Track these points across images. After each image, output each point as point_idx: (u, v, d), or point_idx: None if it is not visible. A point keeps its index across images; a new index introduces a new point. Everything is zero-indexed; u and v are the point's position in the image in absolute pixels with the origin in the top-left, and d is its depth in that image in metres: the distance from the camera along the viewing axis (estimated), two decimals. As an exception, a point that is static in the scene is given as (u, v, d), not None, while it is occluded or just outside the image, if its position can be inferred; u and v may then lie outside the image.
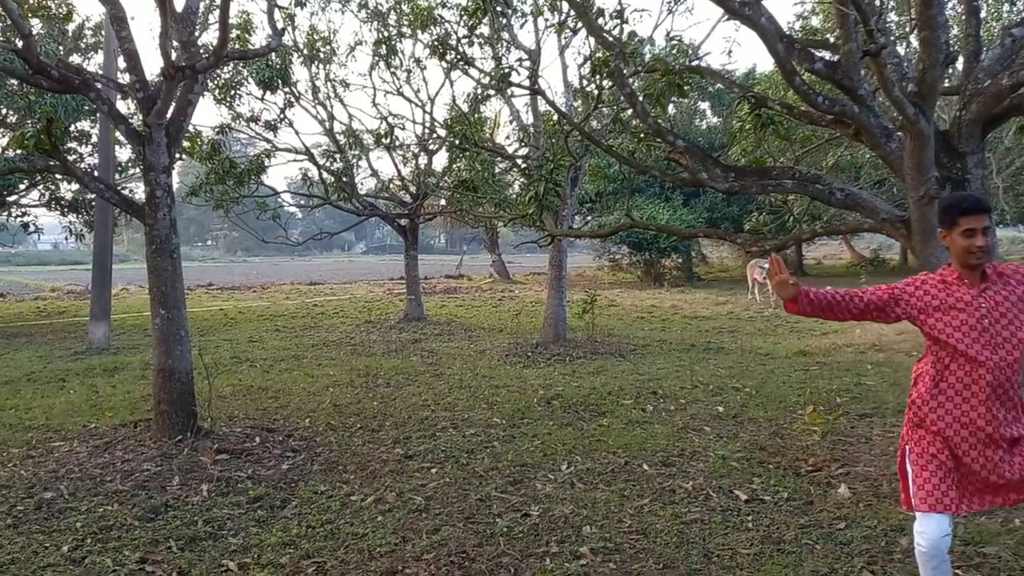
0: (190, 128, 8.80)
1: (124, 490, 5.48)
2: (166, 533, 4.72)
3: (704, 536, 4.61)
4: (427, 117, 14.91)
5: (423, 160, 16.47)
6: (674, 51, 9.82)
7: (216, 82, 13.30)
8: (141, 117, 6.67)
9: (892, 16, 12.24)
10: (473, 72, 10.91)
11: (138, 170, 10.72)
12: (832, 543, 4.43)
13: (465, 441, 6.84)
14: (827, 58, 5.67)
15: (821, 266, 39.85)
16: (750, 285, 21.42)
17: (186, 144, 9.88)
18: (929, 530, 3.23)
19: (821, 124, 6.13)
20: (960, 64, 6.49)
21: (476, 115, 12.96)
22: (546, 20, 11.67)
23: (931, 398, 3.36)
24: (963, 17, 6.57)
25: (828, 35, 11.14)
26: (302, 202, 19.45)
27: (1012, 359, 3.22)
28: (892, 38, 7.10)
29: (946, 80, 10.74)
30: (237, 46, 10.36)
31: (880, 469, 5.61)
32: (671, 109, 25.87)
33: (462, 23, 9.38)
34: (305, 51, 14.65)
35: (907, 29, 10.83)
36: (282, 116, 14.69)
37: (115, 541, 4.61)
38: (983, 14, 15.70)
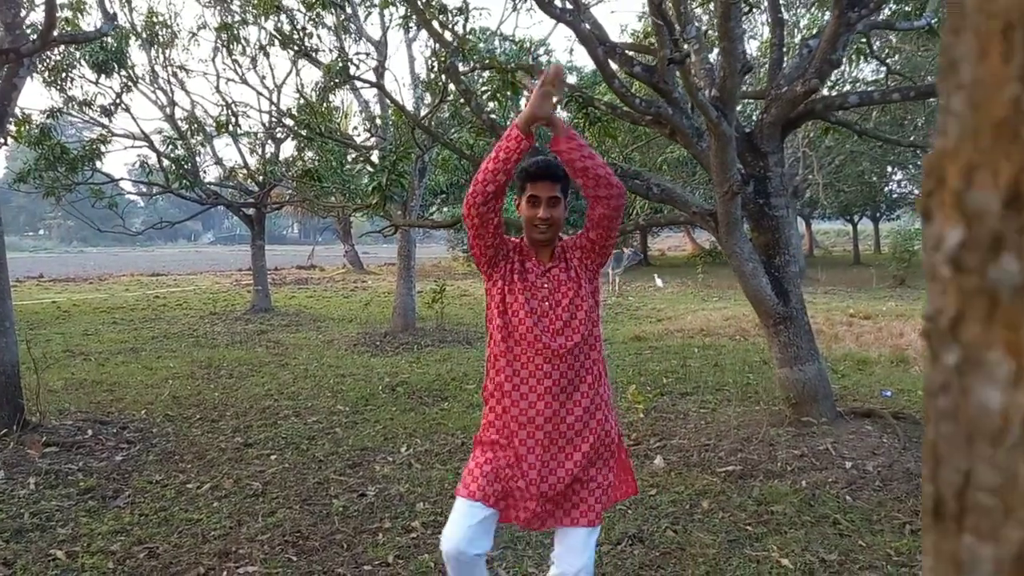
0: (16, 112, 8.43)
1: (-58, 487, 5.29)
2: (-11, 527, 4.63)
3: (529, 507, 4.93)
4: (273, 106, 14.71)
5: (270, 149, 16.24)
6: (516, 48, 10.14)
7: (46, 64, 12.65)
8: (-40, 100, 6.38)
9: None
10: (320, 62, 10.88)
11: (-43, 154, 10.14)
12: (643, 507, 4.85)
13: (307, 428, 6.93)
14: (647, 63, 6.12)
15: (665, 257, 41.76)
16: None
17: (12, 128, 9.46)
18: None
19: (641, 124, 6.58)
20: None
21: (324, 105, 12.91)
22: (390, 14, 11.77)
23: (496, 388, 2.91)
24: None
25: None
26: (143, 189, 18.72)
27: (572, 344, 2.79)
28: (709, 46, 7.66)
29: (758, 85, 11.61)
30: (68, 28, 9.94)
31: (692, 441, 6.11)
32: (522, 104, 26.34)
33: (306, 14, 9.36)
34: (144, 34, 14.15)
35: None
36: (118, 101, 14.14)
37: (-67, 537, 4.48)
38: (804, 22, 16.97)
